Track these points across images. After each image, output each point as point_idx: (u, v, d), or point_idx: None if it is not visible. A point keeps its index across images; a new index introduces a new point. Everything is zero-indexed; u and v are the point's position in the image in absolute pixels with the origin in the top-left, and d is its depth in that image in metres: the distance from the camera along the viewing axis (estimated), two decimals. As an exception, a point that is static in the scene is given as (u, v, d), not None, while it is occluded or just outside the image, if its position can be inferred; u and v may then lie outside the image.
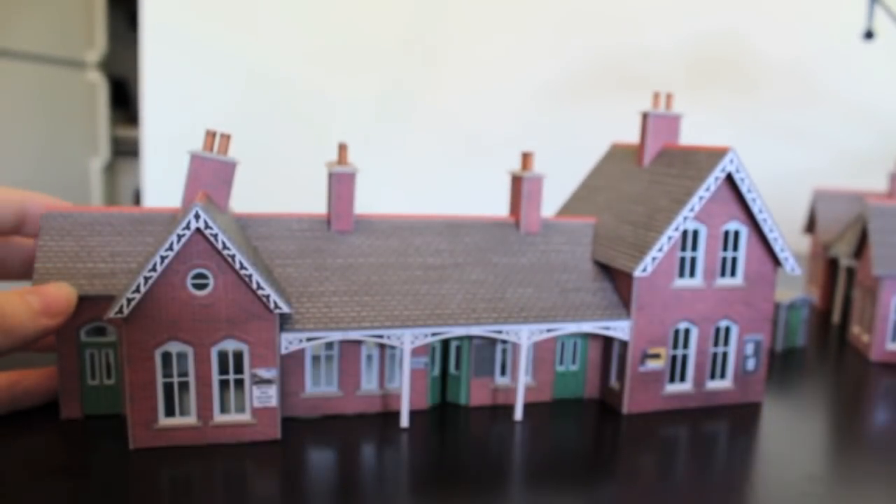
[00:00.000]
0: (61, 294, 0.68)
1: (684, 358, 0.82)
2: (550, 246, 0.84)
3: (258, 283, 0.66)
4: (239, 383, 0.69)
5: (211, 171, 0.71)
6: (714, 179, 0.76)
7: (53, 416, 0.73)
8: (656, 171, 0.85)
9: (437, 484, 0.64)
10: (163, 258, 0.64)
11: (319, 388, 0.76)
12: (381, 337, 0.72)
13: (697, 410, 0.82)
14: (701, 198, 0.76)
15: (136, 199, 3.06)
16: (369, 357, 0.77)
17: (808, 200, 1.40)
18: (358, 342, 0.76)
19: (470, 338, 0.79)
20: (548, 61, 1.93)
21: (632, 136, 0.95)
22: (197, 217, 0.64)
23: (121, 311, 0.64)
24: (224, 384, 0.69)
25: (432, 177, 1.99)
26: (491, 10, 1.95)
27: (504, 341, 0.80)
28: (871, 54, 1.66)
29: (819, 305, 1.32)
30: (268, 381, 0.69)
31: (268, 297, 0.66)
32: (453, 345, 0.80)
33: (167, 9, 2.08)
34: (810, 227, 1.39)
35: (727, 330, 0.83)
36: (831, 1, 1.78)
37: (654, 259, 0.76)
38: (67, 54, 3.01)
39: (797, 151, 1.88)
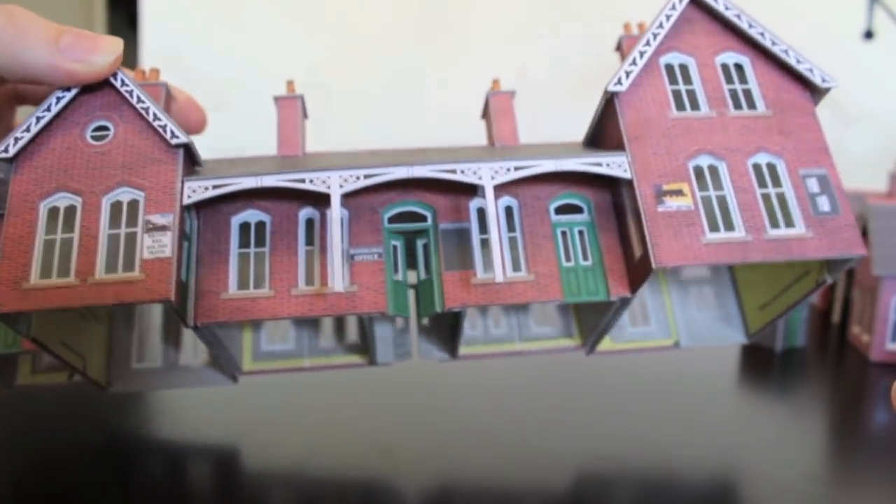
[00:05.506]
0: (102, 38, 0.60)
1: (722, 200, 0.61)
2: None
3: (154, 115, 0.60)
4: (131, 239, 0.57)
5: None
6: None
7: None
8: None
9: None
10: (59, 99, 0.60)
11: (246, 288, 0.61)
12: (302, 182, 0.60)
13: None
14: (666, 17, 0.66)
15: None
16: (309, 252, 0.63)
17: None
18: (293, 225, 0.63)
19: (435, 225, 0.64)
20: (545, 62, 1.85)
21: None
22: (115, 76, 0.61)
23: (6, 150, 0.58)
24: (114, 240, 0.57)
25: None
26: (489, 11, 1.93)
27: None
28: (871, 54, 1.60)
29: (819, 305, 1.27)
30: (162, 228, 0.57)
31: (164, 127, 0.59)
32: (419, 244, 0.65)
33: (167, 9, 2.13)
34: (811, 227, 1.32)
35: (772, 167, 0.63)
36: (831, 1, 1.76)
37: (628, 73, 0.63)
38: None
39: None
